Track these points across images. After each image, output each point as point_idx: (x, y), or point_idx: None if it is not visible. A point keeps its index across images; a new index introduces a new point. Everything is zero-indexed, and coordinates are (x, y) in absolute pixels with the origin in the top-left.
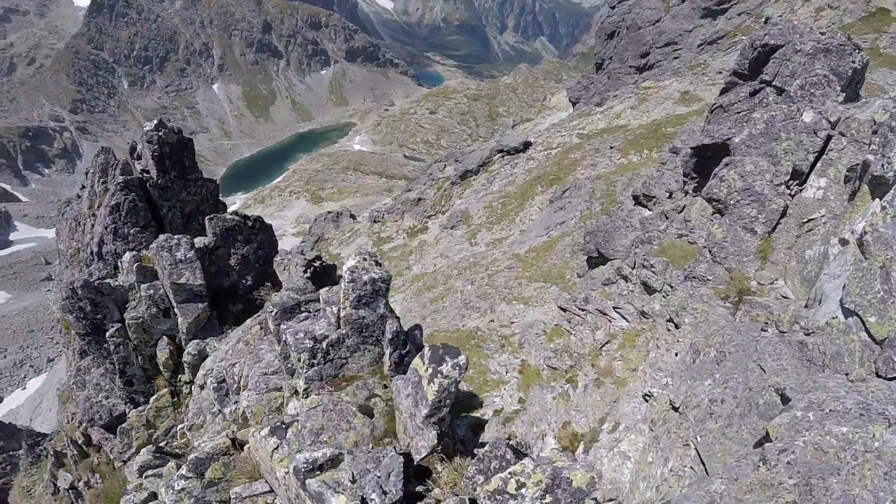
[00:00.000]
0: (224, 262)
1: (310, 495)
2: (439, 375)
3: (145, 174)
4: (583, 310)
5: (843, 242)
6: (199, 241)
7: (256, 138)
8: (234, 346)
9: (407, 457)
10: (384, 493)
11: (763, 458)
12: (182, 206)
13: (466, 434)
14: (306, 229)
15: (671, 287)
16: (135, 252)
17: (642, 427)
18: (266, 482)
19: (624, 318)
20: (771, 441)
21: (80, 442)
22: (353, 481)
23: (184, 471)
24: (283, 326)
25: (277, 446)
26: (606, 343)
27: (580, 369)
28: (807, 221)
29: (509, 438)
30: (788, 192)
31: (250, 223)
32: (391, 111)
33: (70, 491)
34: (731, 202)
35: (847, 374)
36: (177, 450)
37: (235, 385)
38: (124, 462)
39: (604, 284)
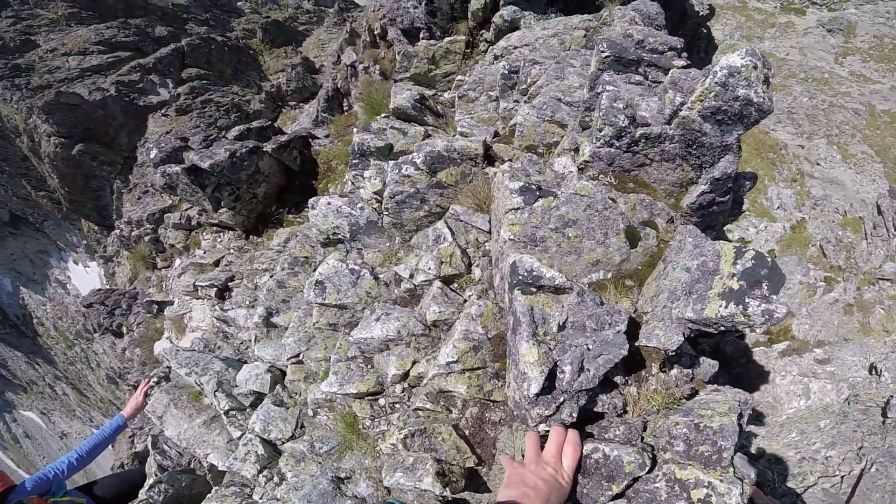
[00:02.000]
0: None
1: (511, 309)
2: (740, 306)
3: None
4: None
5: None
6: None
7: None
8: (547, 38)
9: (632, 323)
10: (580, 370)
11: None
12: None
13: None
14: None
15: None
16: None
17: (843, 388)
18: (488, 222)
19: None
20: None
21: (375, 32)
22: (561, 328)
23: (418, 160)
24: (605, 78)
25: (518, 209)
26: (888, 281)
27: (844, 281)
28: None
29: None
30: None
31: None
32: None
33: (349, 67)
34: None
35: None
36: (438, 107)
37: (524, 86)
38: (395, 81)
39: None
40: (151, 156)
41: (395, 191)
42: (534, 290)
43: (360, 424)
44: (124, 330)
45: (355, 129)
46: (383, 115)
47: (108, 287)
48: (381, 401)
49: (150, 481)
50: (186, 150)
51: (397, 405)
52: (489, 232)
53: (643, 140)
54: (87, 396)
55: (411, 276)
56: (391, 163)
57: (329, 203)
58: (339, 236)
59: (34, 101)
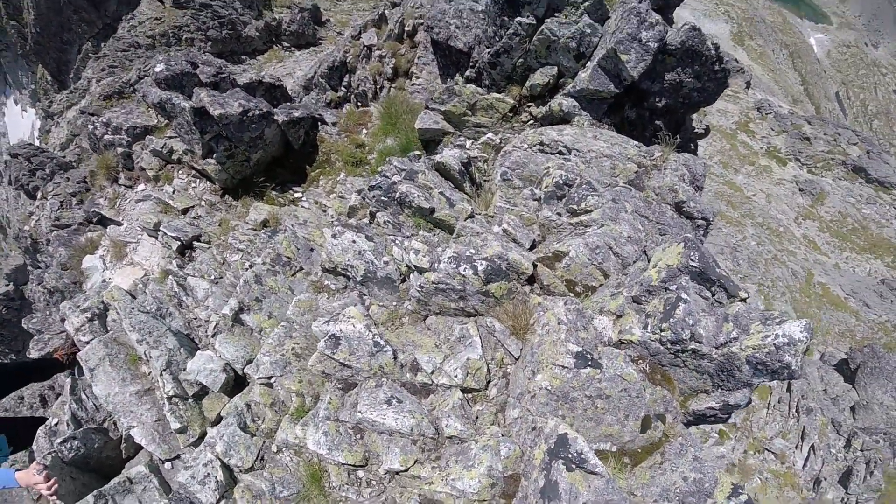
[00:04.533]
0: None
1: (545, 474)
2: None
3: None
4: None
5: None
6: None
7: None
8: (601, 155)
9: None
10: None
11: None
12: None
13: None
14: None
15: None
16: None
17: None
18: (520, 349)
19: None
20: None
21: (406, 28)
22: None
23: (479, 267)
24: (682, 282)
25: (566, 368)
26: (773, 454)
27: (735, 440)
28: None
29: None
30: None
31: None
32: None
33: (366, 48)
34: None
35: None
36: (477, 174)
37: (574, 206)
38: (427, 107)
39: None
40: (157, 69)
41: (442, 280)
42: (574, 467)
43: (325, 482)
44: (39, 195)
45: (365, 130)
46: (416, 151)
47: (39, 146)
48: (361, 473)
49: (63, 433)
50: (194, 79)
51: (374, 483)
52: (517, 358)
53: (690, 352)
54: None
55: (433, 372)
56: (448, 253)
57: (354, 241)
58: (348, 274)
59: None
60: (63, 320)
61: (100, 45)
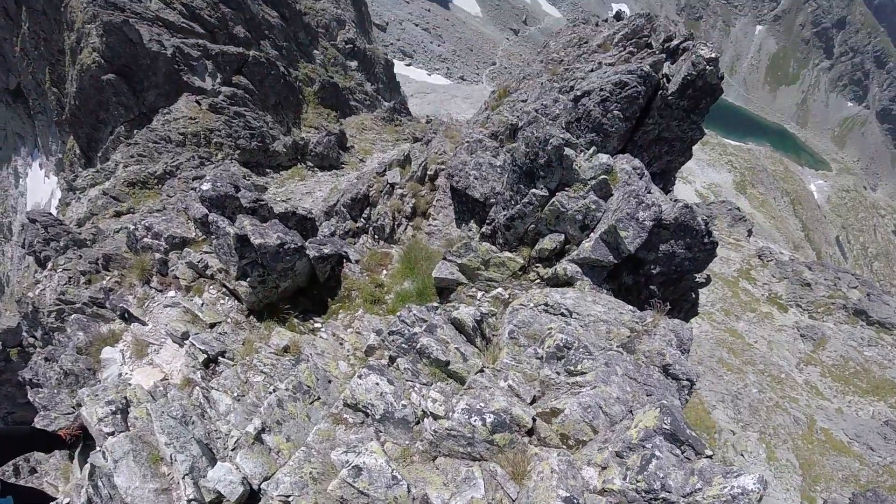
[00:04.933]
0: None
1: None
2: None
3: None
4: None
5: None
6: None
7: None
8: (598, 319)
9: None
10: None
11: None
12: None
13: None
14: None
15: None
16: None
17: None
18: (517, 492)
19: None
20: None
21: (428, 171)
22: None
23: (488, 420)
24: (657, 441)
25: None
26: None
27: None
28: None
29: None
30: None
31: None
32: None
33: (389, 185)
34: None
35: None
36: (487, 330)
37: (572, 367)
38: (445, 258)
39: None
40: (204, 188)
41: (454, 427)
42: None
43: None
44: (49, 265)
45: (385, 271)
46: (433, 302)
47: (57, 216)
48: None
49: None
50: (235, 202)
51: None
52: (514, 500)
53: (662, 500)
54: None
55: None
56: (462, 405)
57: (378, 384)
58: (367, 411)
59: (102, 13)
60: (79, 405)
61: (132, 132)
